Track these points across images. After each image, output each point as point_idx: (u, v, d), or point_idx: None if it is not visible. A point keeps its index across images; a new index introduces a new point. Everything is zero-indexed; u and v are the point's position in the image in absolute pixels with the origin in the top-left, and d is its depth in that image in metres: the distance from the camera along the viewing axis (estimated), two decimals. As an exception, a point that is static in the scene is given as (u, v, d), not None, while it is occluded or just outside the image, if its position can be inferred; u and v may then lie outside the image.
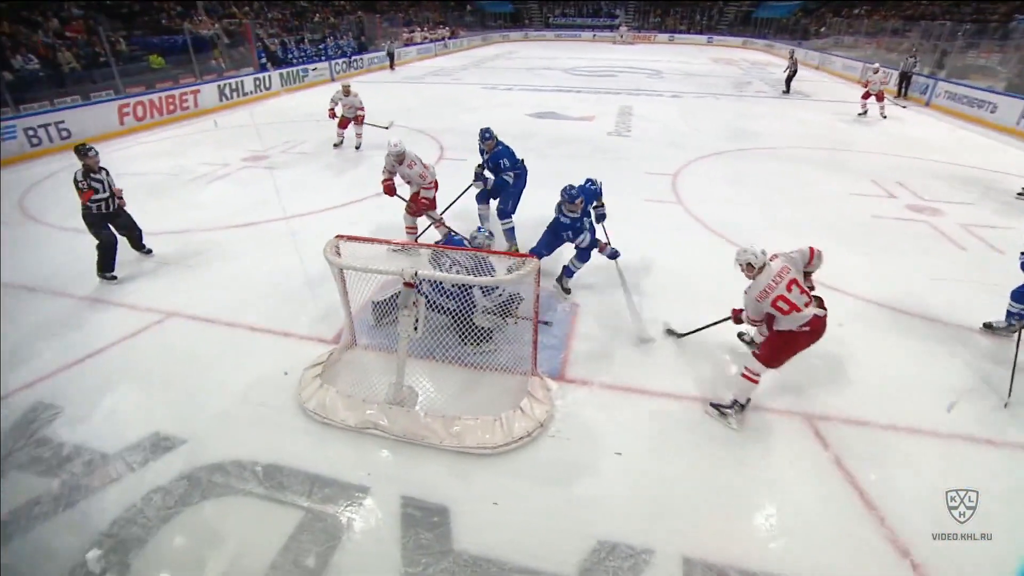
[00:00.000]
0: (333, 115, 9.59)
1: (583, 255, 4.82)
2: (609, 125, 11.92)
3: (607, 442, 3.36)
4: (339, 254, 3.55)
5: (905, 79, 15.24)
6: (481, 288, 3.91)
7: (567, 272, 4.99)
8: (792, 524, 2.87)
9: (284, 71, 16.88)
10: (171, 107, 12.63)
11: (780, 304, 3.16)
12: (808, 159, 9.42)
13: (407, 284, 3.28)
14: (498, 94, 16.26)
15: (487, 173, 5.76)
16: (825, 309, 3.24)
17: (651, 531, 2.81)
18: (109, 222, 5.28)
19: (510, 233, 5.78)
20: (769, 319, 3.34)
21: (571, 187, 4.52)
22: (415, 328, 3.36)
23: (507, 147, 5.76)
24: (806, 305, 3.15)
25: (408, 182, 5.63)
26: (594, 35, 38.92)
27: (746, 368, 3.42)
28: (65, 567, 2.63)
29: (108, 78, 12.09)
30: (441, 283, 3.83)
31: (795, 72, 16.76)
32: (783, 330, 3.25)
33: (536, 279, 3.41)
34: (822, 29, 28.39)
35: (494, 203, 5.89)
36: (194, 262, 5.67)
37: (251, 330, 4.49)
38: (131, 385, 3.90)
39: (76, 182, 5.02)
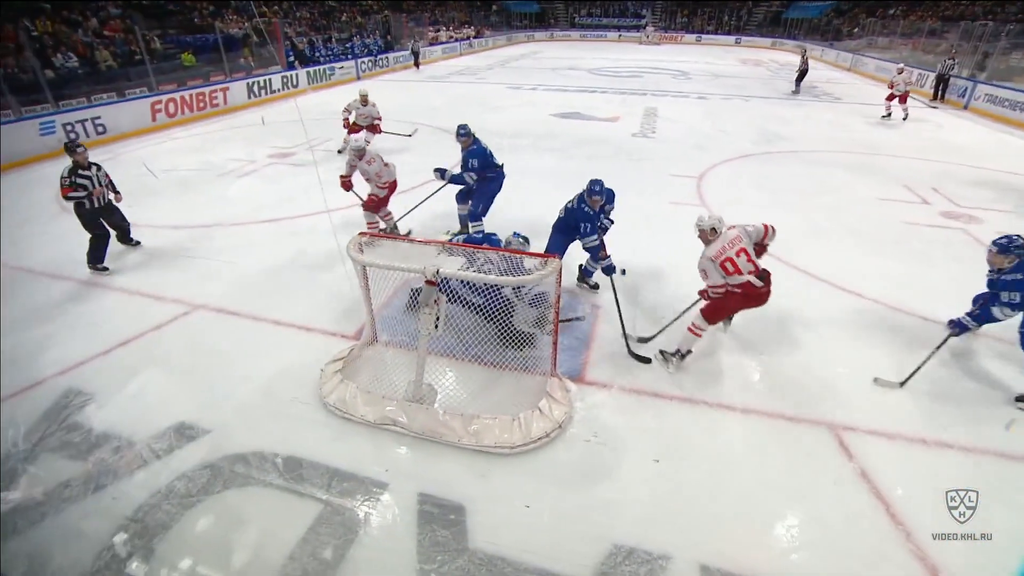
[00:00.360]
0: (347, 125, 9.28)
1: (596, 253, 4.77)
2: (634, 126, 11.82)
3: (626, 446, 3.33)
4: (362, 251, 3.59)
5: (942, 82, 14.78)
6: (513, 289, 3.92)
7: (587, 272, 4.97)
8: (814, 536, 2.81)
9: (311, 69, 17.16)
10: (201, 104, 12.94)
11: (727, 264, 3.65)
12: (837, 163, 9.22)
13: (429, 282, 3.30)
14: (522, 94, 16.26)
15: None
16: (767, 283, 3.69)
17: (669, 537, 2.77)
18: (100, 217, 5.42)
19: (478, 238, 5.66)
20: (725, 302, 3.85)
21: (601, 182, 4.46)
22: (436, 326, 3.38)
23: (482, 148, 5.70)
24: (749, 273, 3.63)
25: (367, 179, 5.80)
26: (620, 35, 38.66)
27: (693, 323, 3.93)
28: (93, 549, 2.71)
29: (142, 76, 12.47)
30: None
31: (806, 71, 16.69)
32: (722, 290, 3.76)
33: (558, 279, 3.40)
34: (855, 30, 27.76)
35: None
36: (221, 256, 5.79)
37: (275, 324, 4.57)
38: (157, 375, 4.00)
39: (61, 178, 5.17)
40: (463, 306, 3.97)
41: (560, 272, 3.41)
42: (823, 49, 27.52)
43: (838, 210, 7.08)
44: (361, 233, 3.73)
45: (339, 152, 9.64)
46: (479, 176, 5.66)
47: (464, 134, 5.72)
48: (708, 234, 3.81)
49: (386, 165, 5.77)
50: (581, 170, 8.51)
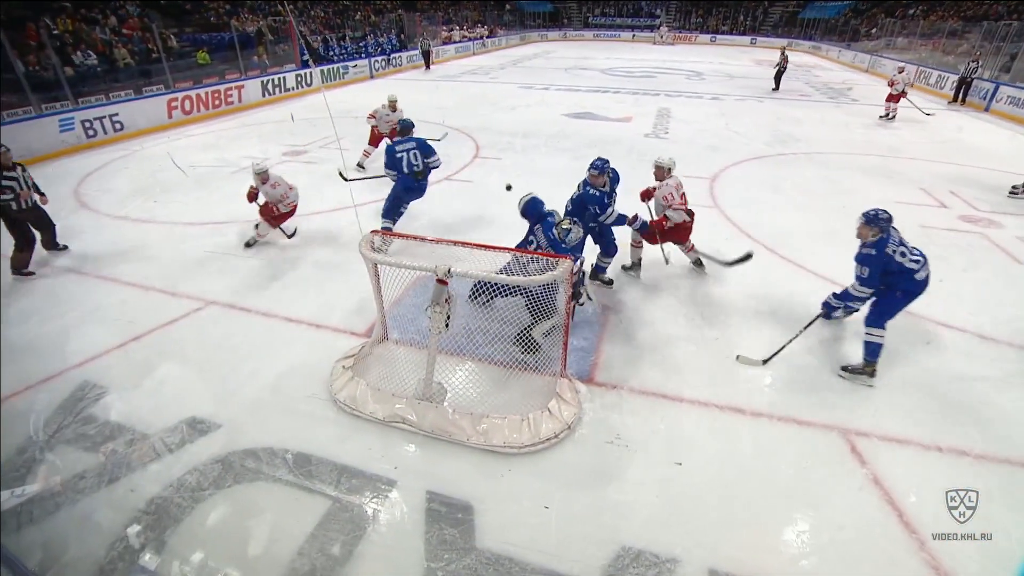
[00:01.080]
0: (375, 134, 8.63)
1: (608, 246, 4.76)
2: (646, 127, 11.78)
3: (635, 448, 3.33)
4: (374, 249, 3.61)
5: (964, 84, 14.55)
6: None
7: (599, 269, 4.97)
8: (824, 542, 2.78)
9: (325, 68, 17.27)
10: (216, 102, 13.09)
11: (684, 196, 4.89)
12: (853, 165, 9.11)
13: (440, 281, 3.31)
14: (534, 93, 16.26)
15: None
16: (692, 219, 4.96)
17: (677, 540, 2.76)
18: (26, 219, 5.33)
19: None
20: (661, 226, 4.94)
21: (601, 159, 4.60)
22: (446, 325, 3.39)
23: (395, 145, 5.77)
24: (687, 211, 4.89)
25: (272, 203, 5.74)
26: (634, 35, 38.51)
27: (633, 240, 5.09)
28: (107, 540, 2.75)
29: (159, 73, 12.63)
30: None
31: (784, 69, 17.03)
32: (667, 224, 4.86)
33: (569, 280, 3.39)
34: (873, 30, 27.39)
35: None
36: (234, 253, 5.86)
37: (286, 321, 4.61)
38: (170, 369, 4.05)
39: None
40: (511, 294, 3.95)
41: (572, 273, 3.40)
42: (840, 50, 27.21)
43: (853, 212, 6.96)
44: (373, 231, 3.75)
45: (358, 167, 8.62)
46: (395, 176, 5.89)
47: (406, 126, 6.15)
48: (665, 173, 4.94)
49: (291, 188, 5.77)
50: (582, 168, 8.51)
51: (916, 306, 4.74)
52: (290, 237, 6.13)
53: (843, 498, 3.01)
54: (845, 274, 5.26)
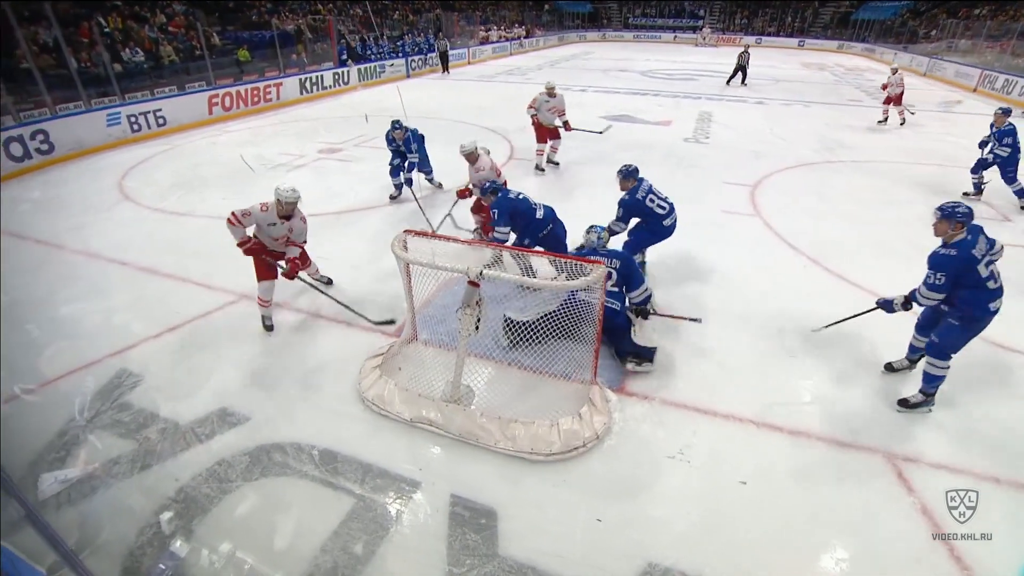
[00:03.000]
0: (536, 123, 8.43)
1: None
2: (686, 131, 11.62)
3: (664, 461, 3.28)
4: (406, 249, 3.67)
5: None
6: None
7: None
8: (865, 573, 2.68)
9: (362, 67, 17.64)
10: (255, 99, 13.52)
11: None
12: (905, 174, 8.78)
13: (471, 283, 3.33)
14: (571, 95, 16.19)
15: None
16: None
17: (706, 559, 2.71)
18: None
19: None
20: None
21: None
22: (476, 327, 3.41)
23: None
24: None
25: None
26: (675, 36, 38.08)
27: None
28: (137, 525, 2.87)
29: (201, 70, 13.12)
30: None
31: (743, 67, 17.79)
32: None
33: (603, 285, 3.37)
34: (933, 32, 26.36)
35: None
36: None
37: (316, 317, 4.72)
38: (203, 360, 4.19)
39: None
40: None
41: (606, 279, 3.38)
42: (895, 53, 26.27)
43: (904, 225, 6.74)
44: (406, 231, 3.81)
45: (537, 169, 8.47)
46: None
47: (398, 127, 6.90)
48: (475, 157, 5.50)
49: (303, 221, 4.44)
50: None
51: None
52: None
53: (886, 526, 2.90)
54: (894, 289, 5.09)
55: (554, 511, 2.96)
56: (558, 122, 8.53)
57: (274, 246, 4.42)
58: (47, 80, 9.89)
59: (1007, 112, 7.34)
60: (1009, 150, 7.15)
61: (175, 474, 3.18)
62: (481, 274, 3.28)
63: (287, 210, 4.18)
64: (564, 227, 5.00)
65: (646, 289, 4.15)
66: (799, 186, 8.20)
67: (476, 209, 5.92)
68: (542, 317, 3.93)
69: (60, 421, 3.57)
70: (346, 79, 16.67)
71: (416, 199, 6.94)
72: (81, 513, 2.97)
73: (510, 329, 4.05)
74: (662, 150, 10.01)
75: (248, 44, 15.18)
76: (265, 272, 4.41)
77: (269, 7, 18.69)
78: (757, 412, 3.65)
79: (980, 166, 7.55)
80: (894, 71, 12.00)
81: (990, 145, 7.38)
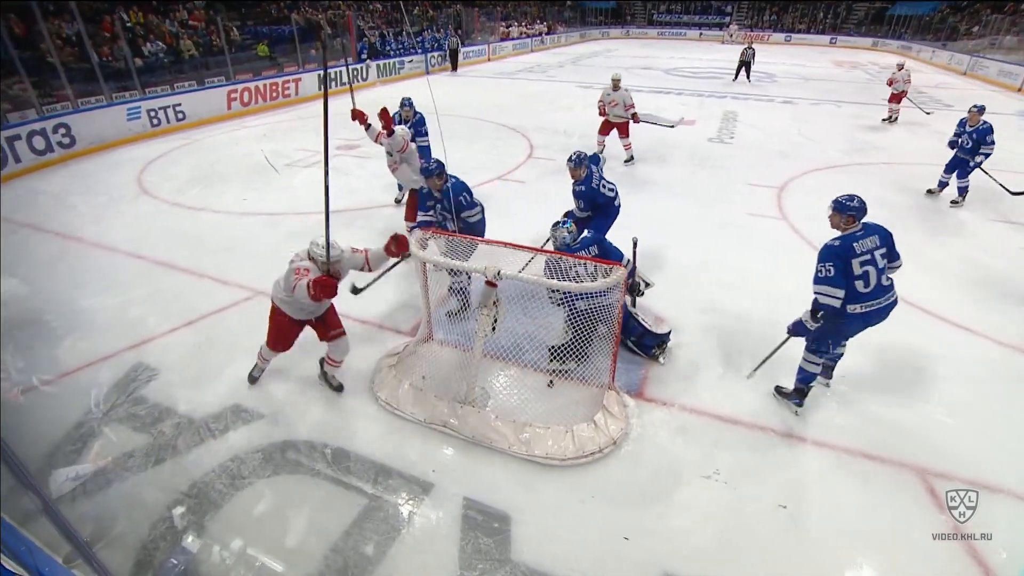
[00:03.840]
0: (603, 112, 8.73)
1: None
2: (711, 131, 11.52)
3: (684, 470, 3.25)
4: (423, 248, 3.69)
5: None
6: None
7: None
8: (895, 591, 2.63)
9: (381, 62, 17.80)
10: (274, 94, 13.72)
11: None
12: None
13: (489, 283, 3.34)
14: (593, 93, 16.14)
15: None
16: None
17: (724, 573, 2.68)
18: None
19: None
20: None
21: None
22: (493, 328, 3.42)
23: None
24: None
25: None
26: (700, 34, 37.76)
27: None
28: (151, 519, 2.93)
29: (221, 65, 13.36)
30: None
31: (747, 64, 17.78)
32: None
33: (623, 287, 3.36)
34: (975, 28, 25.70)
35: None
36: (284, 245, 6.10)
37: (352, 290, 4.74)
38: (218, 356, 4.26)
39: None
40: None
41: (626, 280, 3.37)
42: (934, 50, 25.69)
43: (940, 232, 6.60)
44: (423, 229, 3.83)
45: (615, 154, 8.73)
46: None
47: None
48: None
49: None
50: (650, 175, 8.38)
51: (1011, 338, 4.45)
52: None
53: (917, 546, 2.83)
54: (928, 297, 5.00)
55: (568, 517, 2.96)
56: (624, 114, 8.58)
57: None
58: (69, 74, 10.14)
59: (981, 110, 7.11)
60: (992, 148, 7.01)
61: (188, 469, 3.23)
62: (499, 274, 3.29)
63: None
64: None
65: (628, 262, 4.17)
66: (828, 189, 8.01)
67: None
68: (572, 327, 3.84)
69: (77, 413, 3.66)
70: (365, 75, 16.83)
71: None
72: (97, 505, 3.04)
73: (556, 355, 3.99)
74: (685, 150, 9.93)
75: (268, 39, 15.42)
76: (282, 343, 3.77)
77: (288, 3, 18.96)
78: (781, 422, 3.60)
79: (955, 166, 7.35)
80: (900, 67, 11.80)
81: (967, 145, 7.12)
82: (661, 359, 4.12)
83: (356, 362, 4.10)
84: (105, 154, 9.77)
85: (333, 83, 15.62)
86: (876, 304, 3.25)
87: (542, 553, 2.76)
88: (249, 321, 4.70)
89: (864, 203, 3.32)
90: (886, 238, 3.33)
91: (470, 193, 4.56)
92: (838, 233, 3.36)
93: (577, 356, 3.80)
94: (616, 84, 8.53)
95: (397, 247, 3.31)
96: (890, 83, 11.94)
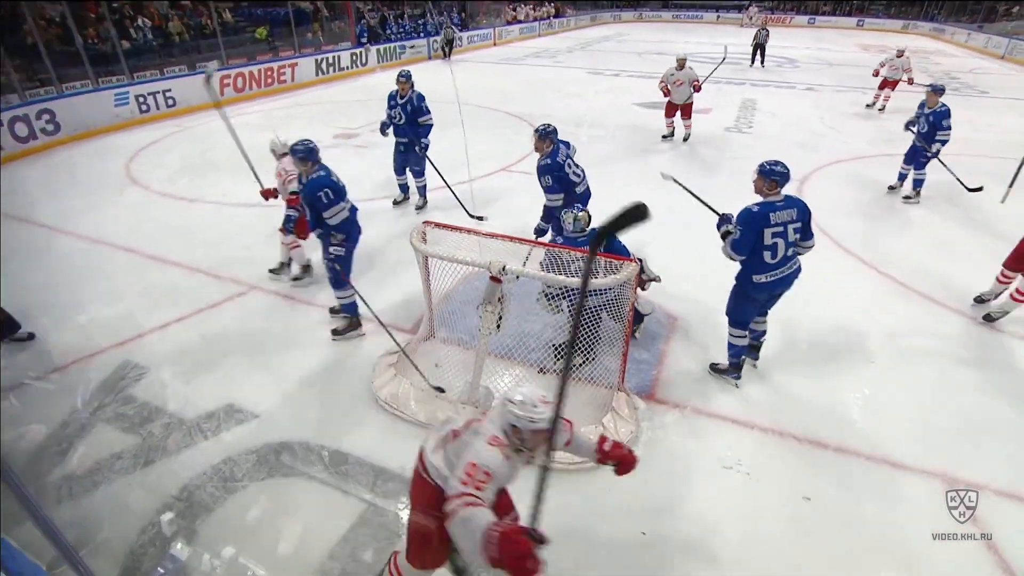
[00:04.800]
0: (667, 93, 9.10)
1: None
2: (728, 119, 11.47)
3: (696, 474, 3.24)
4: (425, 241, 3.69)
5: None
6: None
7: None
8: (921, 606, 2.62)
9: (381, 47, 17.78)
10: (269, 80, 13.75)
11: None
12: (976, 169, 8.45)
13: (494, 278, 3.33)
14: (604, 80, 16.14)
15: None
16: None
17: (742, 585, 2.68)
18: None
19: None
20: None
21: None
22: (497, 326, 3.42)
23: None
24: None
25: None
26: (718, 16, 37.51)
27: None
28: (139, 524, 2.94)
29: (213, 48, 13.38)
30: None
31: (762, 46, 17.96)
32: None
33: (635, 284, 3.35)
34: (1015, 9, 25.36)
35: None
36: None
37: (329, 311, 4.78)
38: (211, 354, 4.28)
39: None
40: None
41: (638, 276, 3.36)
42: (969, 32, 25.40)
43: (976, 226, 6.54)
44: (426, 222, 3.83)
45: (664, 138, 9.68)
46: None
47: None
48: (279, 156, 5.24)
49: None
50: (664, 166, 8.35)
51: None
52: None
53: (945, 561, 2.81)
54: (959, 296, 4.97)
55: (574, 522, 2.96)
56: (688, 92, 8.97)
57: None
58: (53, 57, 10.16)
59: (940, 91, 6.86)
60: (948, 134, 6.76)
61: (178, 471, 3.25)
62: (504, 269, 3.28)
63: None
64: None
65: (639, 260, 4.12)
66: (853, 181, 8.01)
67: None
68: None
69: (63, 412, 3.68)
70: (364, 60, 16.83)
71: (440, 173, 6.62)
72: (81, 509, 3.06)
73: (562, 354, 4.01)
74: (701, 139, 9.88)
75: (263, 21, 15.42)
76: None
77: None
78: (800, 427, 3.59)
79: (914, 155, 7.11)
80: (900, 53, 11.60)
81: (923, 129, 6.87)
82: (636, 335, 4.32)
83: (356, 361, 4.12)
84: (91, 141, 9.83)
85: (331, 68, 15.64)
86: (780, 273, 3.52)
87: (547, 558, 2.75)
88: (243, 317, 4.74)
89: (788, 170, 3.54)
90: (804, 212, 3.53)
91: (334, 189, 4.07)
92: (759, 199, 3.54)
93: (582, 352, 3.80)
94: (682, 64, 8.78)
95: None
96: (875, 73, 11.90)
